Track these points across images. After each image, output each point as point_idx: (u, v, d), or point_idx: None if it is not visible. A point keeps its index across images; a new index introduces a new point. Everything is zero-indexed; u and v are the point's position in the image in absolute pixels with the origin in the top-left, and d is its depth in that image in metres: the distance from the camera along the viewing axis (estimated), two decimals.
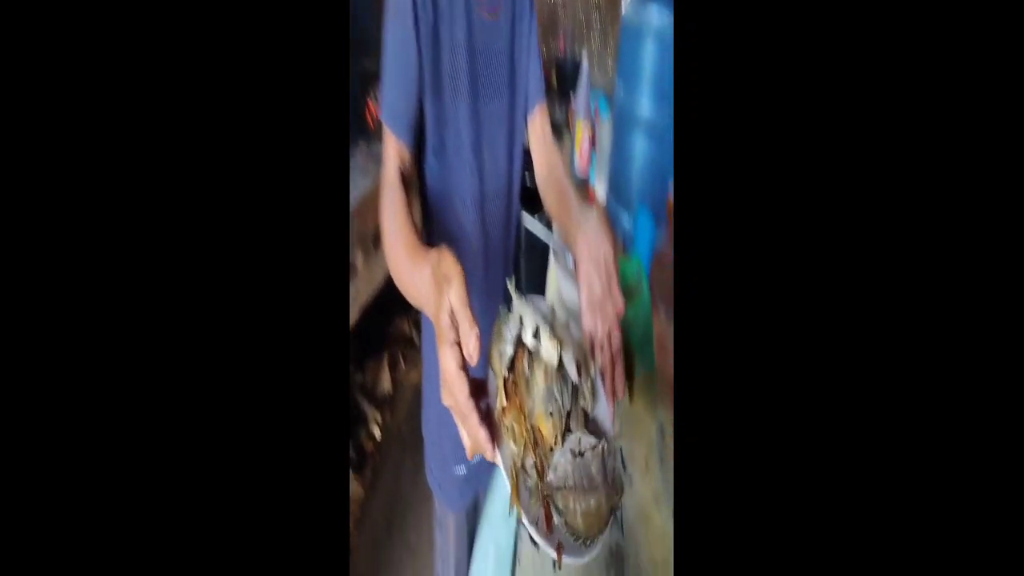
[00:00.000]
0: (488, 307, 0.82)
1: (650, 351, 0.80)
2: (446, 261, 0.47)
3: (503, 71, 0.83)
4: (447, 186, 0.82)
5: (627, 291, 0.87)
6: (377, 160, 1.34)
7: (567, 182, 0.81)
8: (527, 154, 0.92)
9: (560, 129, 1.80)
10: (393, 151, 0.74)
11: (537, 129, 0.90)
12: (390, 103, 0.74)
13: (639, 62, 1.00)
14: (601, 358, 0.57)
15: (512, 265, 0.98)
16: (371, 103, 1.55)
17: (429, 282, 0.48)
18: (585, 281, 0.59)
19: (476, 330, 0.42)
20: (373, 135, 1.54)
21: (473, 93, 0.79)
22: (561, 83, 2.14)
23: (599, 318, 0.58)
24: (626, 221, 1.12)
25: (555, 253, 1.03)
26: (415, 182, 0.82)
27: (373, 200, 1.21)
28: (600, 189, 1.29)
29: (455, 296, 0.44)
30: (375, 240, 1.34)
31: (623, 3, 1.51)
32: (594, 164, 1.31)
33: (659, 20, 0.94)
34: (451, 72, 0.76)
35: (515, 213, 0.95)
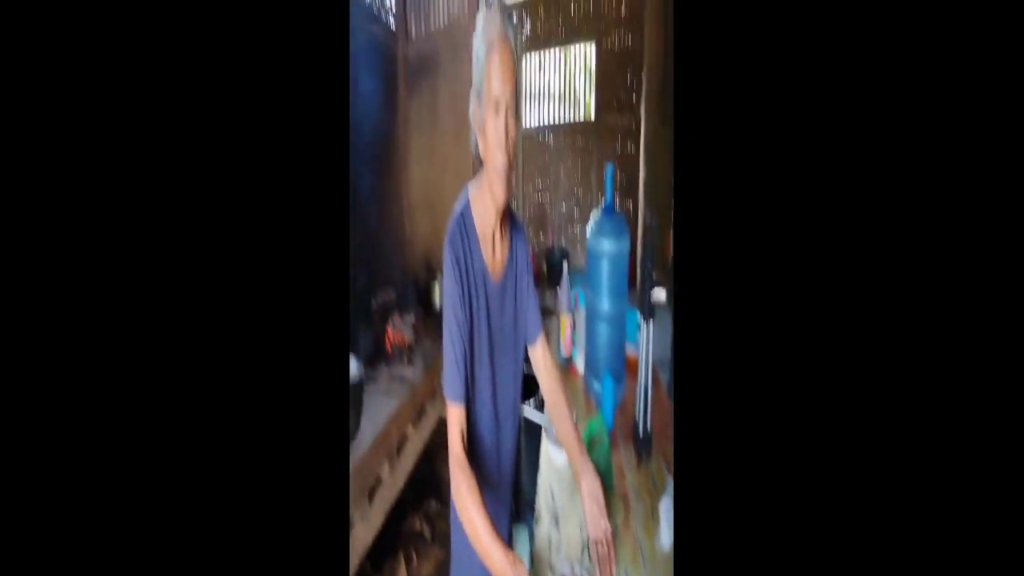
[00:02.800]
0: (497, 507, 1.07)
1: (611, 477, 1.13)
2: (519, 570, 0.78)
3: (511, 331, 1.05)
4: (476, 428, 1.02)
5: (592, 441, 1.16)
6: (397, 380, 1.72)
7: (568, 422, 1.04)
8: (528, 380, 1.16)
9: (549, 314, 2.19)
10: (455, 419, 0.92)
11: (539, 358, 1.10)
12: (451, 382, 0.92)
13: (599, 274, 1.45)
14: (600, 551, 0.90)
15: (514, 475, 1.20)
16: (390, 331, 1.85)
17: (503, 562, 0.78)
18: (589, 508, 0.95)
19: None
20: (392, 359, 1.83)
21: (491, 358, 1.01)
22: (550, 271, 2.64)
23: (600, 528, 0.92)
24: (596, 387, 1.45)
25: (545, 431, 1.31)
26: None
27: (399, 418, 1.59)
28: (579, 363, 1.64)
29: None
30: (399, 448, 1.59)
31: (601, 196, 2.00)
32: (575, 344, 1.69)
33: (609, 247, 1.40)
34: (478, 347, 0.97)
35: (516, 438, 1.16)
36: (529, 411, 1.39)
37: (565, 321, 1.69)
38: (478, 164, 0.94)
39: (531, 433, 1.67)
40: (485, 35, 0.84)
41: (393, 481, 1.53)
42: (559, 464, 1.23)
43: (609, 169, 1.51)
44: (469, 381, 0.96)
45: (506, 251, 1.00)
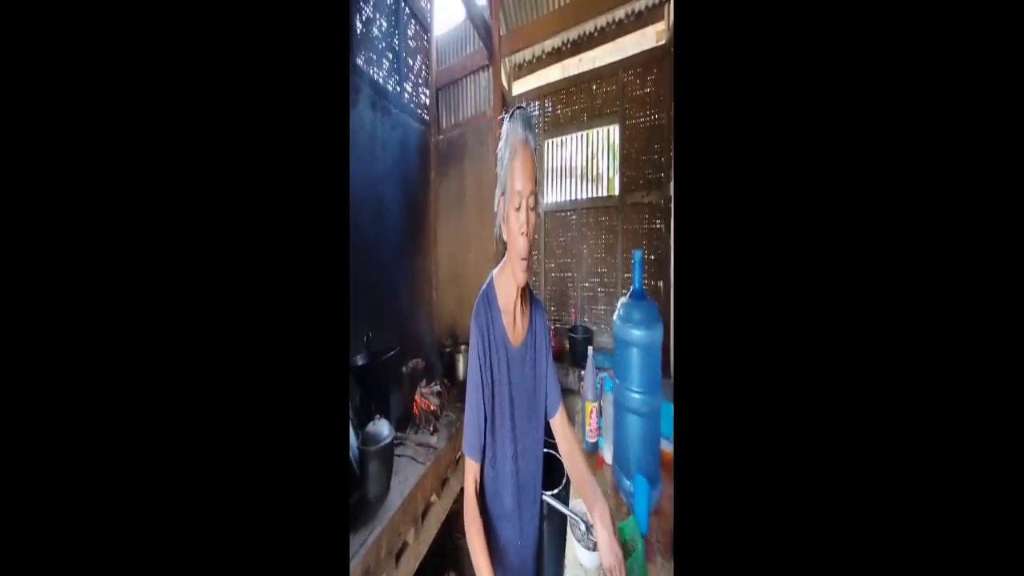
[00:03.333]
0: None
1: None
2: None
3: (531, 398, 1.15)
4: (497, 486, 1.12)
5: (626, 547, 1.07)
6: (423, 447, 1.73)
7: (585, 469, 1.13)
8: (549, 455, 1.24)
9: (572, 395, 2.14)
10: (471, 473, 1.06)
11: (559, 428, 1.20)
12: (469, 440, 1.05)
13: (628, 363, 1.40)
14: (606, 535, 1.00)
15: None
16: (418, 398, 1.90)
17: None
18: (601, 537, 1.00)
19: None
20: (420, 426, 1.87)
21: (512, 420, 1.11)
22: (573, 350, 2.57)
23: (613, 555, 0.98)
24: (627, 485, 1.36)
25: (572, 526, 1.23)
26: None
27: (424, 485, 1.59)
28: (607, 454, 1.56)
29: None
30: (423, 514, 1.59)
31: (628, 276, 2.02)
32: (602, 433, 1.61)
33: (639, 336, 1.36)
34: (500, 409, 1.08)
35: (539, 508, 1.24)
36: (552, 500, 1.32)
37: (591, 407, 1.63)
38: (500, 247, 1.11)
39: (553, 522, 1.59)
40: (509, 142, 0.95)
41: (417, 547, 1.52)
42: (588, 565, 1.14)
43: (637, 256, 1.50)
44: (489, 440, 1.06)
45: (526, 323, 1.13)
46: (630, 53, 2.87)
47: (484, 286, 1.09)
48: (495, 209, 1.03)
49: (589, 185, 3.06)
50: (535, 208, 0.97)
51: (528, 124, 0.96)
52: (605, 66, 2.93)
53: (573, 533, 1.22)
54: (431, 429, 1.86)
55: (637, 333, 1.38)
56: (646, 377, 1.38)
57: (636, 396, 1.37)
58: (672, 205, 2.59)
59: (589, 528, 1.23)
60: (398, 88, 2.31)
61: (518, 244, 0.97)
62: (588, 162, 3.10)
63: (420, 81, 2.61)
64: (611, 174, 2.97)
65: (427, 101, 2.67)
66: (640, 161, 2.90)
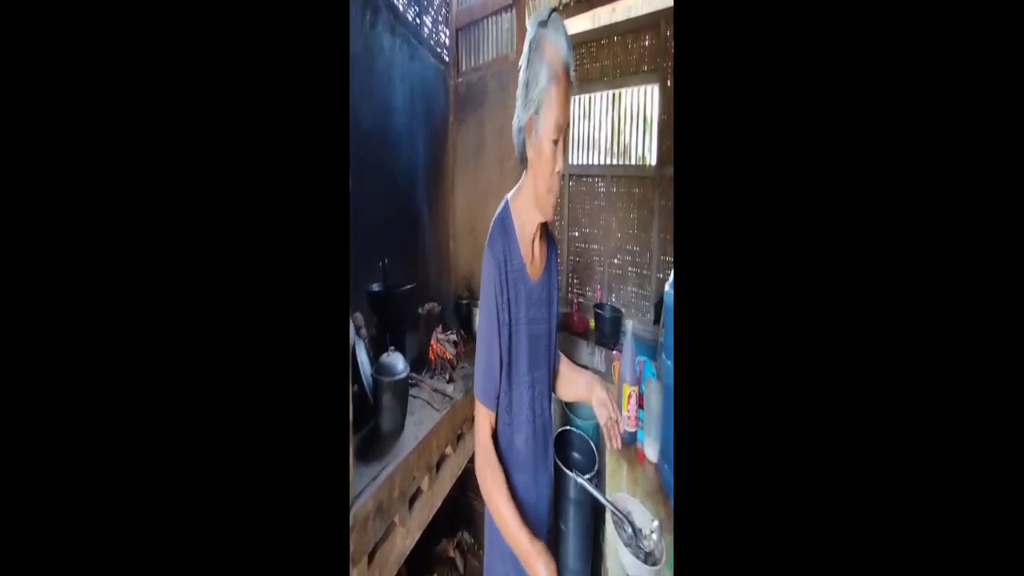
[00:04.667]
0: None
1: None
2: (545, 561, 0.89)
3: (547, 338, 1.09)
4: (512, 434, 1.05)
5: None
6: (439, 393, 1.62)
7: (570, 364, 1.22)
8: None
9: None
10: (485, 421, 1.00)
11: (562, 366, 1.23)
12: (485, 387, 0.98)
13: None
14: (609, 427, 1.10)
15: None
16: (434, 343, 1.80)
17: (530, 551, 0.89)
18: (597, 407, 1.12)
19: None
20: (435, 371, 1.77)
21: (530, 363, 1.03)
22: (599, 328, 2.37)
23: (609, 410, 1.11)
24: None
25: (616, 525, 1.05)
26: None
27: (439, 433, 1.45)
28: (650, 451, 1.34)
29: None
30: (438, 465, 1.50)
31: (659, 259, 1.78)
32: (642, 423, 1.39)
33: None
34: (516, 351, 1.00)
35: (552, 462, 1.19)
36: (590, 487, 1.17)
37: (628, 391, 1.41)
38: (520, 165, 1.00)
39: (583, 512, 1.46)
40: (546, 59, 0.86)
41: (431, 497, 1.44)
42: (628, 565, 0.94)
43: None
44: (505, 386, 1.00)
45: (544, 257, 1.07)
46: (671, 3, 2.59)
47: (499, 210, 1.00)
48: (520, 125, 0.94)
49: (620, 152, 2.77)
50: (566, 146, 0.95)
51: (569, 42, 0.89)
52: (644, 16, 2.63)
53: (619, 535, 1.00)
54: (447, 377, 1.73)
55: None
56: None
57: None
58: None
59: (637, 532, 1.02)
60: (417, 20, 2.13)
61: (552, 182, 0.93)
62: (618, 125, 2.81)
63: (440, 18, 2.39)
64: (647, 141, 2.68)
65: (447, 40, 2.45)
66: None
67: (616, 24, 2.69)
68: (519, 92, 0.92)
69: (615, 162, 2.74)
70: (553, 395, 1.19)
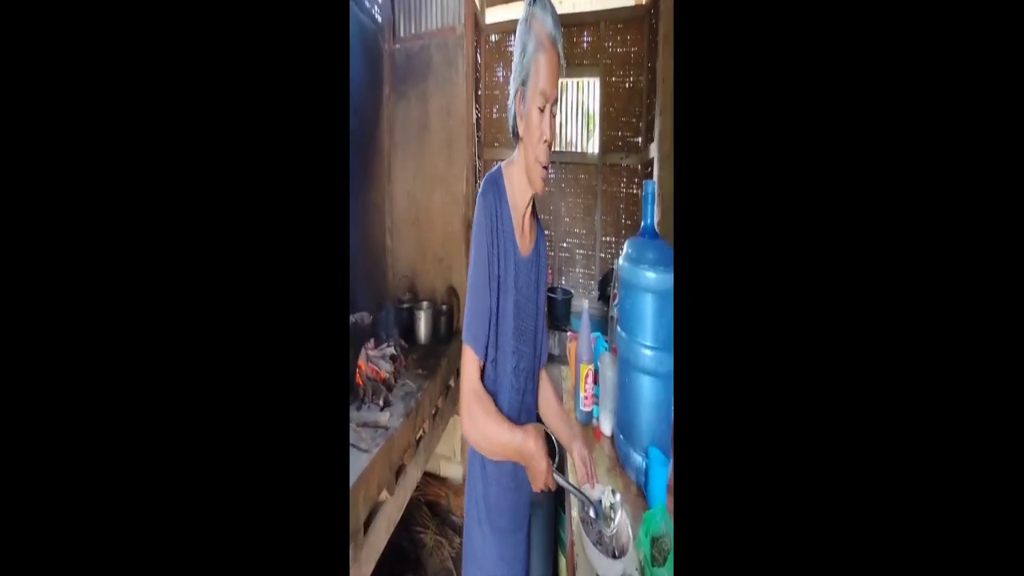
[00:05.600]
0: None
1: None
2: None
3: (534, 315, 1.06)
4: (497, 387, 1.01)
5: (659, 543, 0.80)
6: (369, 428, 1.36)
7: (562, 410, 1.16)
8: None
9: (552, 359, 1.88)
10: (472, 363, 0.96)
11: (543, 379, 1.17)
12: (474, 330, 0.95)
13: (640, 313, 1.12)
14: (583, 478, 1.04)
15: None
16: (361, 363, 1.55)
17: (533, 435, 0.94)
18: (579, 467, 1.05)
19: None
20: (363, 398, 1.48)
21: (516, 327, 1.00)
22: (552, 312, 2.31)
23: (587, 468, 1.04)
24: (637, 460, 1.09)
25: (581, 519, 0.97)
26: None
27: (367, 481, 1.22)
28: (606, 425, 1.29)
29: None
30: (367, 524, 1.26)
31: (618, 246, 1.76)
32: (598, 399, 1.33)
33: (655, 280, 1.09)
34: (503, 313, 0.98)
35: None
36: (562, 481, 1.07)
37: (586, 370, 1.35)
38: (513, 140, 1.01)
39: (542, 507, 1.37)
40: (534, 31, 0.90)
41: (368, 550, 1.22)
42: (595, 562, 0.87)
43: (648, 186, 1.23)
44: (492, 341, 0.98)
45: (534, 235, 1.07)
46: (612, 6, 2.67)
47: (491, 171, 1.02)
48: (509, 102, 0.97)
49: (566, 141, 2.79)
50: (553, 117, 0.94)
51: (556, 20, 0.91)
52: (586, 13, 2.68)
53: (586, 533, 0.92)
54: (381, 403, 1.47)
55: (651, 276, 1.10)
56: (662, 329, 1.11)
57: (649, 352, 1.10)
58: (655, 172, 2.39)
59: (599, 513, 0.95)
60: None
61: (539, 151, 0.94)
62: (567, 116, 2.82)
63: None
64: (590, 129, 2.72)
65: None
66: (620, 122, 2.70)
67: (563, 16, 2.72)
68: (513, 66, 0.96)
69: (561, 148, 2.76)
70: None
